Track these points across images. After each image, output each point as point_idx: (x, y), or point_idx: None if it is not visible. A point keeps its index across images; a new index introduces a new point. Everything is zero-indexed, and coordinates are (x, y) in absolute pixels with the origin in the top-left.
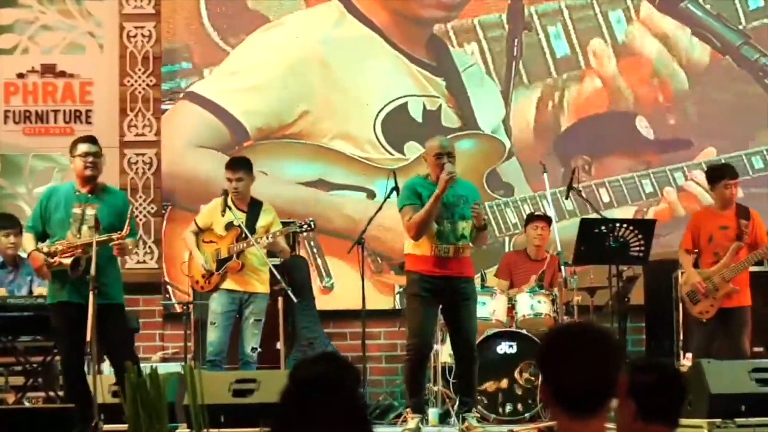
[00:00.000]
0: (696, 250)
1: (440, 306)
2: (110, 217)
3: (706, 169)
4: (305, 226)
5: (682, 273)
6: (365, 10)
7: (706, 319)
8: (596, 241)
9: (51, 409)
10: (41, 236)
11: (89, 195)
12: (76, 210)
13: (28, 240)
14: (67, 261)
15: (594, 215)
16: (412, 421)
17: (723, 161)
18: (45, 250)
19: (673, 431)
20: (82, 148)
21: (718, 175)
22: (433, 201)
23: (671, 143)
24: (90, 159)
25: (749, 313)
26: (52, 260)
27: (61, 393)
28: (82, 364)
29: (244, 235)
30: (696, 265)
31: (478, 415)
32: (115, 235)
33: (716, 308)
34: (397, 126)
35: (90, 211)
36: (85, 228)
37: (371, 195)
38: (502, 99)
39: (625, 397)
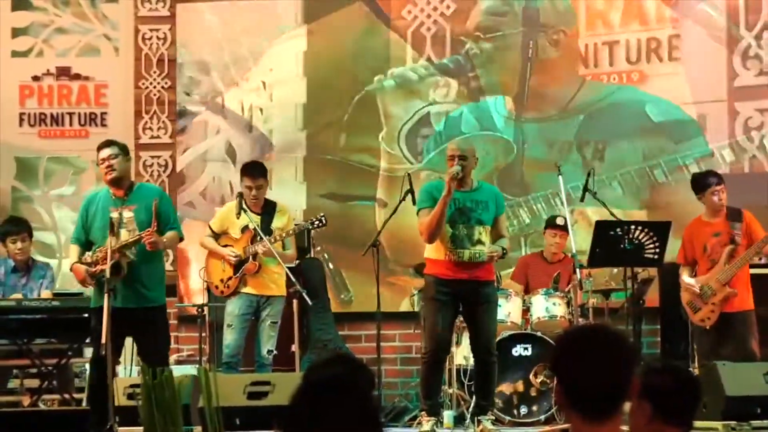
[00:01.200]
0: (695, 262)
1: (460, 308)
2: (148, 216)
3: (690, 179)
4: (317, 222)
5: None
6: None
7: (709, 327)
8: (611, 243)
9: (66, 411)
10: (87, 246)
11: (124, 198)
12: (114, 215)
13: (72, 253)
14: (108, 266)
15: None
16: (427, 424)
17: None
18: (87, 261)
19: (673, 429)
20: (99, 155)
21: (703, 183)
22: (441, 203)
23: None
24: (106, 164)
25: (753, 317)
26: (93, 269)
27: (76, 395)
28: (113, 369)
29: (259, 238)
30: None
31: (493, 418)
32: (143, 233)
33: (717, 314)
34: (420, 137)
35: (127, 214)
36: (123, 231)
37: (383, 204)
38: None
39: (639, 399)
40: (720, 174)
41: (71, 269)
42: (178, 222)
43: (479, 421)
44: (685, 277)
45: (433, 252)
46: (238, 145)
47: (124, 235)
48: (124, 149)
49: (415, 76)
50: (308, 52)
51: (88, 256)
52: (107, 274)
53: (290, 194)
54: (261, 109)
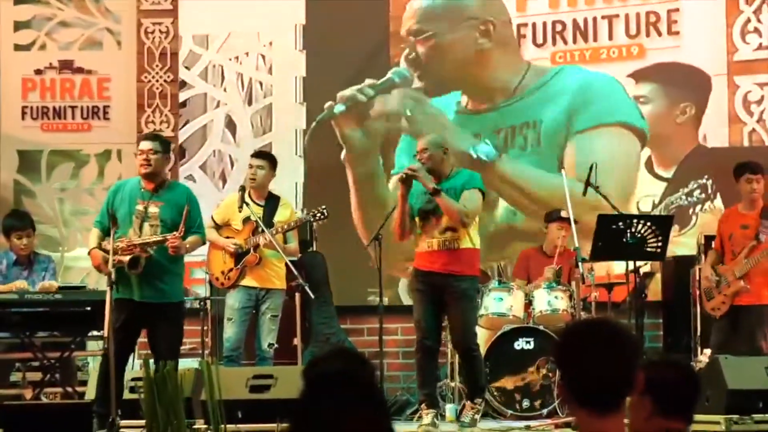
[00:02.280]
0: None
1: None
2: (174, 214)
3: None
4: (318, 215)
5: (699, 269)
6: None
7: (719, 316)
8: (613, 236)
9: (68, 404)
10: (107, 231)
11: (153, 193)
12: (140, 207)
13: (93, 236)
14: (126, 259)
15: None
16: (427, 417)
17: None
18: (107, 247)
19: (689, 427)
20: (140, 145)
21: (740, 170)
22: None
23: None
24: (144, 156)
25: (766, 311)
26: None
27: (78, 389)
28: (125, 361)
29: (261, 230)
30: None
31: (477, 410)
32: (169, 236)
33: (728, 305)
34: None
35: (153, 209)
36: (146, 226)
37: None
38: None
39: (641, 394)
40: (760, 165)
41: (89, 253)
42: (203, 226)
43: (460, 413)
44: (705, 267)
45: (416, 245)
46: (239, 119)
47: (147, 230)
48: (165, 146)
49: (363, 98)
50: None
51: (106, 242)
52: (109, 265)
53: (288, 171)
54: (260, 83)
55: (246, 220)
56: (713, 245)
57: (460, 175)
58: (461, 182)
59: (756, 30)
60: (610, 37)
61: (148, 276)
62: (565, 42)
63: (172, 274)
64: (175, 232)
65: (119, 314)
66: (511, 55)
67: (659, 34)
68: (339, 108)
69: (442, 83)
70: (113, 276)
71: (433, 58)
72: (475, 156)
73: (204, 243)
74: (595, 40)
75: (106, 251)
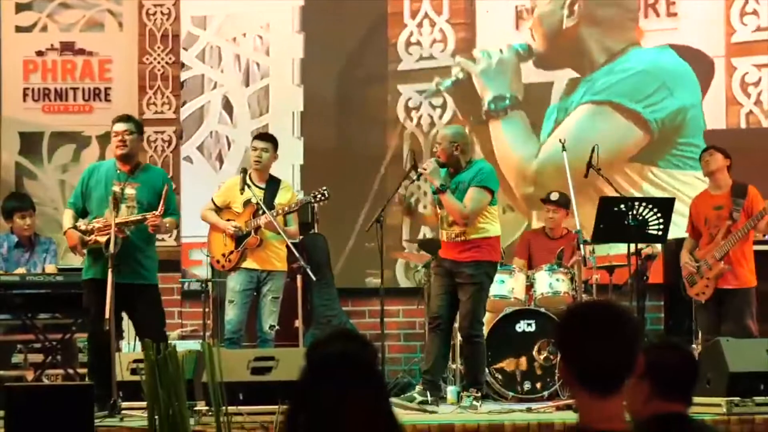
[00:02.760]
0: (700, 234)
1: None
2: (150, 196)
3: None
4: (320, 196)
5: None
6: None
7: (704, 301)
8: (615, 219)
9: (70, 386)
10: (82, 213)
11: (129, 174)
12: (116, 188)
13: (67, 217)
14: (103, 239)
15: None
16: (416, 393)
17: None
18: (82, 227)
19: (687, 409)
20: (114, 127)
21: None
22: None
23: None
24: (119, 138)
25: (751, 294)
26: (88, 238)
27: (80, 370)
28: (108, 342)
29: (261, 212)
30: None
31: (475, 395)
32: (149, 215)
33: (712, 289)
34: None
35: (129, 191)
36: (123, 207)
37: None
38: None
39: (639, 376)
40: (721, 147)
41: (64, 233)
42: (178, 209)
43: (460, 396)
44: (683, 254)
45: None
46: (236, 100)
47: (123, 211)
48: (139, 127)
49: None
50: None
51: (82, 223)
52: (111, 248)
53: (285, 153)
54: (258, 64)
55: (246, 203)
56: (686, 231)
57: (472, 169)
58: (470, 177)
59: (754, 12)
60: None
61: (125, 257)
62: None
63: (147, 257)
64: (154, 212)
65: (98, 295)
66: None
67: (657, 15)
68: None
69: None
70: (112, 260)
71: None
72: None
73: (177, 226)
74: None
75: (82, 232)
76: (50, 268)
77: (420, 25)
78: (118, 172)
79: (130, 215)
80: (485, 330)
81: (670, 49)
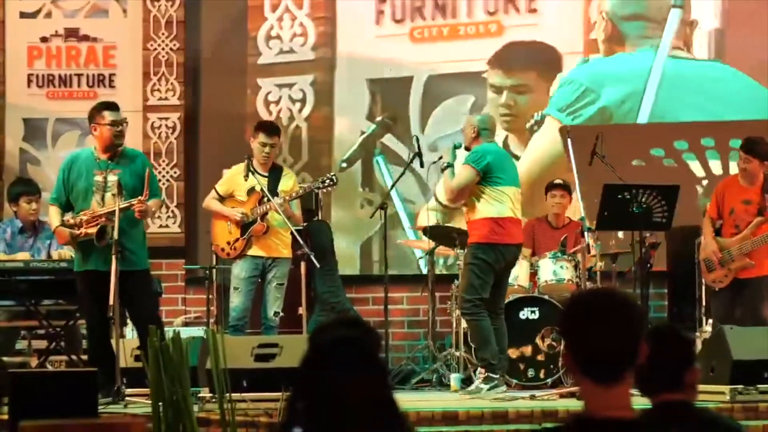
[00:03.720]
0: (720, 220)
1: None
2: (133, 181)
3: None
4: (327, 182)
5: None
6: None
7: (718, 288)
8: (619, 206)
9: (73, 372)
10: (66, 206)
11: (110, 161)
12: (98, 178)
13: (53, 214)
14: (93, 231)
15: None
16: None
17: None
18: (70, 222)
19: (677, 394)
20: (110, 116)
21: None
22: None
23: None
24: (118, 128)
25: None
26: (78, 232)
27: (83, 357)
28: (107, 330)
29: (266, 199)
30: (719, 234)
31: (483, 377)
32: (134, 201)
33: (730, 279)
34: None
35: (112, 178)
36: (108, 195)
37: None
38: None
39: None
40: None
41: (54, 232)
42: (160, 190)
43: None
44: (708, 237)
45: None
46: None
47: (109, 199)
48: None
49: None
50: None
51: (69, 217)
52: (114, 235)
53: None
54: None
55: (251, 191)
56: (707, 212)
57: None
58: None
59: None
60: (469, 14)
61: (109, 244)
62: (424, 18)
63: (137, 242)
64: (139, 197)
65: (94, 285)
66: None
67: (517, 11)
68: None
69: None
70: (115, 247)
71: None
72: None
73: (161, 205)
74: (453, 16)
75: (70, 226)
76: (63, 254)
77: (281, 18)
78: (98, 161)
79: (116, 203)
80: None
81: None
